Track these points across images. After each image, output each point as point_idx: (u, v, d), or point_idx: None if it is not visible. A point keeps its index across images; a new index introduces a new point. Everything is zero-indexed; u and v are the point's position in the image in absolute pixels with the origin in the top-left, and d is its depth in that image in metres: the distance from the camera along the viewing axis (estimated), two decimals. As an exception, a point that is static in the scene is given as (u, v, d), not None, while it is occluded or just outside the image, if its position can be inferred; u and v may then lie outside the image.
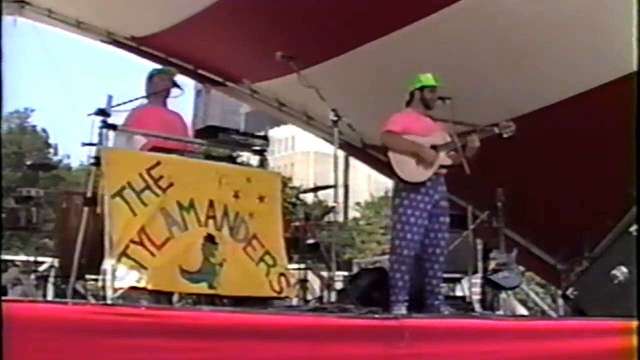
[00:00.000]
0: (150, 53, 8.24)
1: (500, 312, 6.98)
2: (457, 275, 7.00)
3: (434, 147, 5.43)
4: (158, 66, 5.76)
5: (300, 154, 55.33)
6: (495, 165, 5.95)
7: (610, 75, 6.29)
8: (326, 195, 6.47)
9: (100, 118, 4.49)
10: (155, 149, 4.85)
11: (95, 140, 4.50)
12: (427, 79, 5.56)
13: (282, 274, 4.91)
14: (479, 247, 7.38)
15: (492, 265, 6.77)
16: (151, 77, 5.54)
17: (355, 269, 9.88)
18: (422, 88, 5.56)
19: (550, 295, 11.55)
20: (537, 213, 7.58)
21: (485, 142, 5.46)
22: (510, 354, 4.33)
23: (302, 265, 6.58)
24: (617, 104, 5.35)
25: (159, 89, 5.40)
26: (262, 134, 5.32)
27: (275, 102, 8.90)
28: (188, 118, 6.15)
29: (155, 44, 8.08)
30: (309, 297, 6.46)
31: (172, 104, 5.55)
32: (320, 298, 6.26)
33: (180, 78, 5.72)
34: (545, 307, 9.38)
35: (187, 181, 4.64)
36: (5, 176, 18.29)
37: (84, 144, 4.55)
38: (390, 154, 5.41)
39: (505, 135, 5.54)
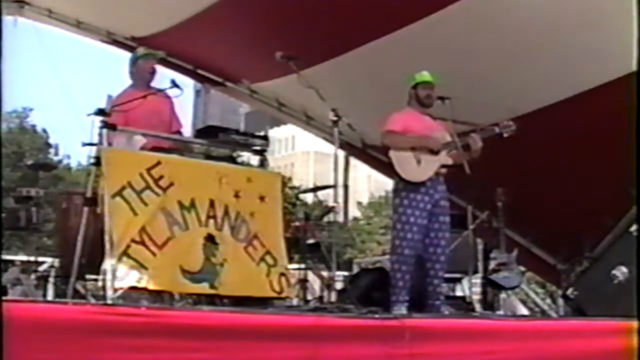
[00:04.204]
0: (150, 53, 8.23)
1: (500, 312, 6.99)
2: (458, 275, 7.00)
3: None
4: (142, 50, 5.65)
5: (300, 154, 55.32)
6: (495, 165, 5.94)
7: (610, 75, 6.29)
8: (326, 195, 6.47)
9: (100, 118, 4.49)
10: (154, 148, 4.85)
11: (95, 140, 4.50)
12: (421, 75, 5.56)
13: (282, 274, 4.91)
14: (479, 247, 7.39)
15: (492, 265, 6.78)
16: (135, 60, 5.45)
17: (355, 269, 9.88)
18: (416, 86, 5.56)
19: (550, 295, 11.53)
20: (537, 213, 7.57)
21: (485, 142, 5.46)
22: (510, 354, 4.33)
23: (303, 265, 6.57)
24: (617, 104, 5.35)
25: (144, 73, 5.35)
26: (262, 134, 5.32)
27: (275, 102, 8.90)
28: (188, 115, 6.09)
29: (155, 44, 8.05)
30: (309, 297, 6.45)
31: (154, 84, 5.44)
32: (321, 298, 6.25)
33: (180, 78, 5.68)
34: (545, 307, 9.38)
35: (187, 181, 4.65)
36: (5, 176, 18.30)
37: (84, 144, 4.55)
38: (391, 154, 5.40)
39: (505, 135, 5.53)
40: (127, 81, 5.42)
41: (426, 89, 5.53)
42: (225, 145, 5.23)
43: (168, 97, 5.44)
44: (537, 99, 6.81)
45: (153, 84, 5.40)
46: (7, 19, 7.49)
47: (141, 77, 5.36)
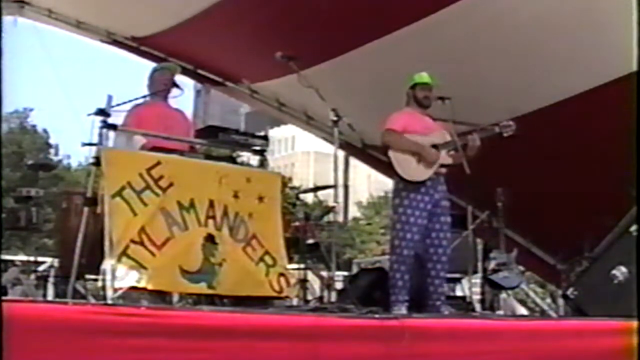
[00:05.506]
0: (150, 53, 8.25)
1: (500, 312, 6.98)
2: (457, 275, 7.00)
3: (435, 146, 5.43)
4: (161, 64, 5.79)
5: (300, 154, 55.29)
6: (495, 165, 5.95)
7: (610, 75, 6.29)
8: (326, 195, 6.47)
9: (100, 118, 4.49)
10: (155, 148, 4.85)
11: (95, 140, 4.50)
12: (420, 76, 5.57)
13: (281, 274, 4.91)
14: (479, 247, 7.38)
15: (492, 265, 6.77)
16: (153, 73, 5.56)
17: (355, 269, 9.89)
18: (414, 86, 5.56)
19: (550, 295, 11.53)
20: (537, 213, 7.58)
21: (485, 141, 5.47)
22: (510, 354, 4.33)
23: (302, 265, 6.58)
24: (617, 104, 5.35)
25: (160, 85, 5.41)
26: (262, 134, 5.32)
27: (275, 102, 8.90)
28: (188, 116, 6.13)
29: (155, 44, 8.08)
30: (309, 297, 6.46)
31: (172, 103, 5.55)
32: (321, 298, 6.26)
33: (180, 78, 5.71)
34: (545, 307, 9.38)
35: (187, 181, 4.64)
36: (5, 176, 18.31)
37: (84, 144, 4.55)
38: (391, 153, 5.40)
39: (505, 135, 5.54)
40: (127, 81, 5.46)
41: (424, 90, 5.53)
42: (225, 145, 5.23)
43: (182, 114, 5.55)
44: (537, 99, 6.81)
45: (171, 100, 5.49)
46: (7, 19, 7.51)
47: (156, 89, 5.41)
